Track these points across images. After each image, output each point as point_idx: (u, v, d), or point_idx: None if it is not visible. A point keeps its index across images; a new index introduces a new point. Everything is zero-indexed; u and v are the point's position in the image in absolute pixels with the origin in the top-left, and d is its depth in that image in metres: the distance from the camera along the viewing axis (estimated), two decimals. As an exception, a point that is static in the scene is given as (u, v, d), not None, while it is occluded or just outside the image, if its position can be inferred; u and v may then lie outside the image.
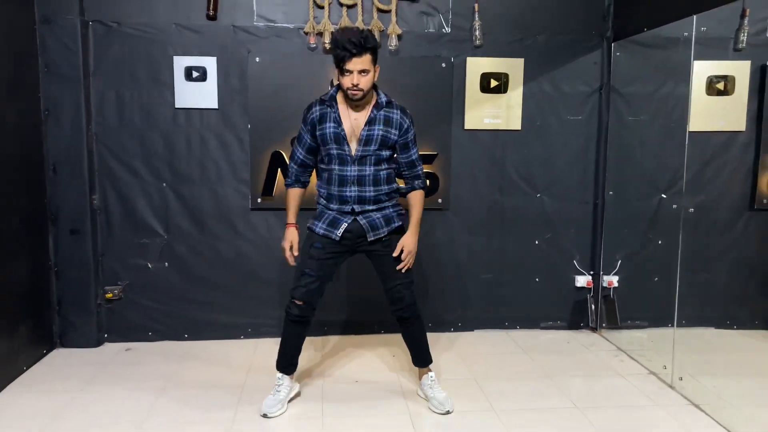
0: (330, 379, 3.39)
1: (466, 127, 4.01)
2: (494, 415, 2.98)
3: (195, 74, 3.77)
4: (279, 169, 3.86)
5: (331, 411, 3.01)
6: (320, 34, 3.79)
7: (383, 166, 2.88)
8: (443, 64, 3.93)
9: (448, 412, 2.96)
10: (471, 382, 3.35)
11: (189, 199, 3.87)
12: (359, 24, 3.79)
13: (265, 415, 2.92)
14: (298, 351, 3.06)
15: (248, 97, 3.81)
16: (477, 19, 3.88)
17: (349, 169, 2.82)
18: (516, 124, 4.06)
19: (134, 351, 3.82)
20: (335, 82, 2.85)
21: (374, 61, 2.72)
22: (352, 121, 2.82)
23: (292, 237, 2.93)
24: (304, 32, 3.80)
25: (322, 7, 3.78)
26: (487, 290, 4.19)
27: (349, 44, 2.62)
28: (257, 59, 3.78)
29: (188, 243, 3.91)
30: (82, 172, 3.70)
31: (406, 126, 2.89)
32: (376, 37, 3.78)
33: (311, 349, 3.74)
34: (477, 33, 3.89)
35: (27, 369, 3.46)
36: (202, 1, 3.71)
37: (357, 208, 2.85)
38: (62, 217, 3.72)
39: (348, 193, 2.84)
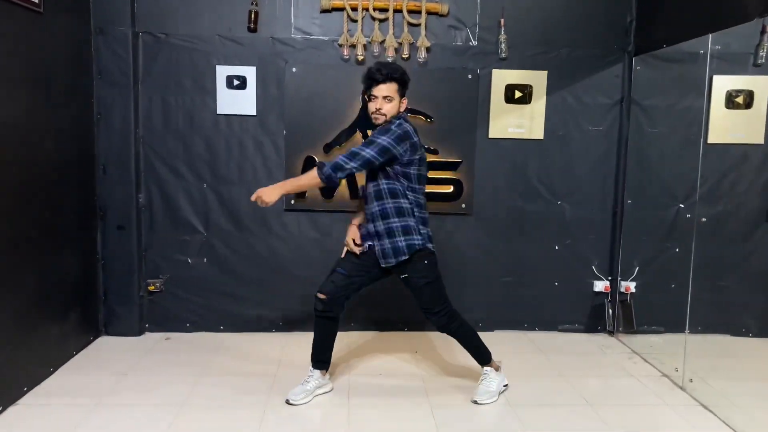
0: (356, 371, 3.59)
1: (490, 135, 4.18)
2: (510, 409, 3.14)
3: (236, 82, 4.01)
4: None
5: (356, 400, 3.21)
6: (353, 46, 4.00)
7: (379, 181, 2.96)
8: (469, 76, 4.11)
9: (474, 402, 3.18)
10: (489, 379, 3.52)
11: (227, 199, 4.11)
12: (389, 37, 3.99)
13: (287, 401, 3.12)
14: (328, 347, 3.22)
15: (284, 104, 4.04)
16: (503, 33, 4.05)
17: (366, 186, 3.06)
18: (539, 133, 4.22)
19: (173, 340, 4.07)
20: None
21: (401, 92, 2.92)
22: None
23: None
24: (339, 44, 4.02)
25: (355, 21, 3.99)
26: (507, 293, 4.35)
27: (377, 72, 2.86)
28: (294, 69, 4.01)
29: (226, 240, 4.15)
30: (130, 172, 3.96)
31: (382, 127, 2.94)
32: (405, 49, 4.00)
33: (337, 343, 3.94)
34: (502, 46, 4.06)
35: (76, 353, 3.73)
36: (243, 15, 3.95)
37: (371, 227, 3.02)
38: (110, 213, 3.98)
39: (368, 211, 3.05)
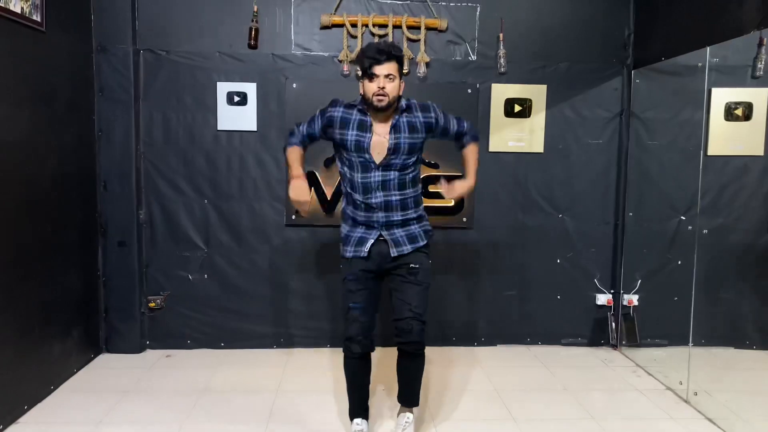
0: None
1: (491, 149, 4.19)
2: (514, 424, 3.12)
3: (236, 99, 4.03)
4: (312, 188, 4.08)
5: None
6: (353, 62, 4.03)
7: (409, 171, 2.77)
8: (469, 90, 4.13)
9: None
10: (492, 393, 3.50)
11: (228, 214, 4.11)
12: (390, 52, 4.01)
13: None
14: (368, 391, 2.93)
15: (285, 120, 4.04)
16: (502, 47, 4.08)
17: (372, 175, 2.72)
18: (539, 147, 4.23)
19: (174, 357, 4.04)
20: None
21: (400, 73, 2.70)
22: (377, 130, 2.73)
23: (302, 185, 2.75)
24: (338, 60, 4.04)
25: (355, 37, 4.02)
26: (509, 306, 4.33)
27: (377, 51, 2.64)
28: (294, 85, 4.03)
29: (226, 256, 4.14)
30: (131, 188, 3.97)
31: (434, 119, 2.81)
32: (405, 64, 4.02)
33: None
34: (501, 61, 4.09)
35: (77, 371, 3.71)
36: (244, 32, 3.97)
37: (382, 217, 2.74)
38: (111, 230, 3.98)
39: (373, 200, 2.73)
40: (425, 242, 2.83)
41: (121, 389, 3.48)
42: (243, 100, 4.03)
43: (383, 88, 2.63)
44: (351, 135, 2.73)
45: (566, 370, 3.92)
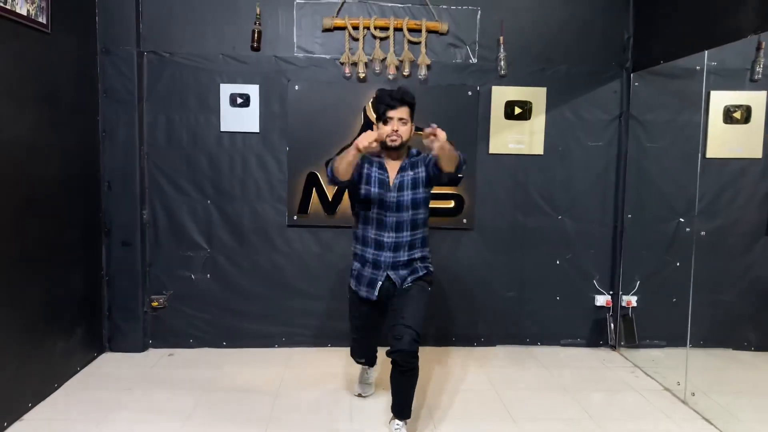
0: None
1: (491, 151, 4.22)
2: (513, 423, 3.15)
3: (239, 100, 4.07)
4: (314, 189, 4.13)
5: (358, 416, 3.22)
6: (355, 64, 4.06)
7: (421, 210, 2.97)
8: (470, 93, 4.16)
9: None
10: (491, 393, 3.53)
11: (230, 215, 4.15)
12: (390, 55, 4.05)
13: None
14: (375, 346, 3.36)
15: (287, 121, 4.09)
16: (502, 50, 4.11)
17: (387, 214, 2.92)
18: (538, 149, 4.26)
19: (176, 356, 4.07)
20: (368, 111, 2.89)
21: (412, 117, 2.92)
22: (390, 172, 2.96)
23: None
24: (340, 62, 4.08)
25: (356, 40, 4.06)
26: (509, 307, 4.36)
27: (390, 98, 2.86)
28: (296, 87, 4.07)
29: (229, 256, 4.18)
30: (134, 188, 4.01)
31: (429, 156, 2.91)
32: (406, 67, 4.07)
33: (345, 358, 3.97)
34: (502, 63, 4.12)
35: (80, 369, 3.74)
36: (247, 34, 4.02)
37: (390, 257, 2.94)
38: (115, 229, 4.02)
39: (386, 238, 2.94)
40: (425, 272, 3.04)
41: (123, 387, 3.52)
42: (246, 101, 4.07)
43: (396, 131, 2.89)
44: (374, 171, 2.97)
45: (565, 370, 3.96)
